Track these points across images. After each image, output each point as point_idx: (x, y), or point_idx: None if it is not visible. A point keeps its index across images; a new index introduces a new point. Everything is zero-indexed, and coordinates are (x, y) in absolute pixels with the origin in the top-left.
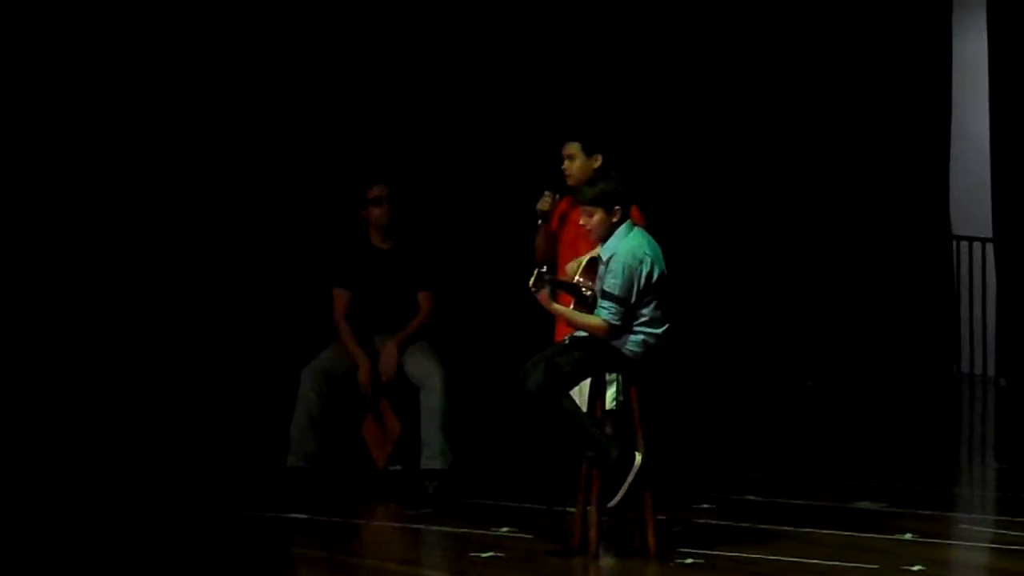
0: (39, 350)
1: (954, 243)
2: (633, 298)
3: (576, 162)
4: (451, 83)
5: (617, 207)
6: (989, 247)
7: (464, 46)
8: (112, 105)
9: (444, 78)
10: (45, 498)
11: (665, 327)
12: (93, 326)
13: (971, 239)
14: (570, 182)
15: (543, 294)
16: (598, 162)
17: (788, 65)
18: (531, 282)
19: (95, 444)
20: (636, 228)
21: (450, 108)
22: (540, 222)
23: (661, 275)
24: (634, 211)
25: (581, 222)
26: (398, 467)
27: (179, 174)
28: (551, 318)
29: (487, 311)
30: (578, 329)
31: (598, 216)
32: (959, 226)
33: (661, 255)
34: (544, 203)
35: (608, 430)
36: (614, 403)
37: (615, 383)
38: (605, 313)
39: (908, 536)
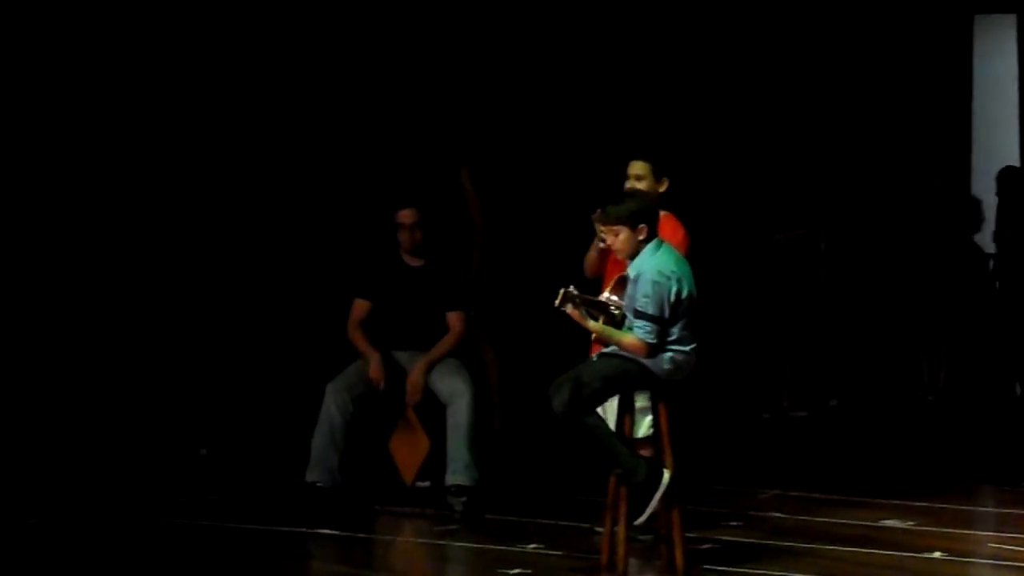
0: (69, 363)
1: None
2: (667, 315)
3: (644, 183)
4: (497, 95)
5: (643, 225)
6: None
7: (510, 58)
8: (138, 113)
9: (490, 90)
10: (71, 509)
11: (693, 345)
12: (122, 339)
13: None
14: None
15: (577, 311)
16: (664, 186)
17: (804, 82)
18: (557, 301)
19: (122, 456)
20: (665, 245)
21: (494, 122)
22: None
23: (690, 293)
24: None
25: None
26: (427, 483)
27: (212, 185)
28: (584, 334)
29: (518, 326)
30: (612, 346)
31: (624, 235)
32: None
33: (690, 273)
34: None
35: (646, 454)
36: (651, 430)
37: (650, 411)
38: (640, 332)
39: (937, 555)
